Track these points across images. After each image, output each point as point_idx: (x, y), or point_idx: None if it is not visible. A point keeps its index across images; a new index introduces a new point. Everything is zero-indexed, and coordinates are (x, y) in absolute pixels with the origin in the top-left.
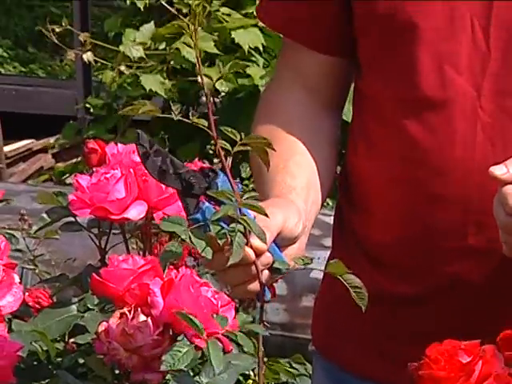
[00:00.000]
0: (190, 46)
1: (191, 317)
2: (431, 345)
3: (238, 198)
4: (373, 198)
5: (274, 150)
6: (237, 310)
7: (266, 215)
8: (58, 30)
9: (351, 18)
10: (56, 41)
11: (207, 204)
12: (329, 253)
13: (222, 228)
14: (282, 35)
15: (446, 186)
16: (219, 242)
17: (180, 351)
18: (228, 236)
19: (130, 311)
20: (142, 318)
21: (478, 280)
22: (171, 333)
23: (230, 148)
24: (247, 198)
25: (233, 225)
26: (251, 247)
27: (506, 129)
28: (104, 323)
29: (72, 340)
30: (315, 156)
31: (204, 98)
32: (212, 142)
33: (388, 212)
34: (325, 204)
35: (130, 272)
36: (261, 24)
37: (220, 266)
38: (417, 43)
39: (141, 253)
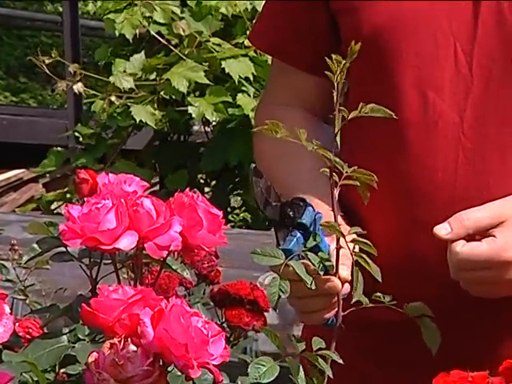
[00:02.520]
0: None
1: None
2: (438, 375)
3: (342, 231)
4: (360, 220)
5: (374, 185)
6: (228, 341)
7: (375, 252)
8: (47, 61)
9: (340, 40)
10: (47, 71)
11: (299, 234)
12: None
13: (321, 259)
14: (273, 58)
15: (428, 211)
16: (319, 271)
17: None
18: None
19: (120, 341)
20: (133, 348)
21: (463, 305)
22: (161, 363)
23: (337, 179)
24: (353, 232)
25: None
26: (339, 278)
27: (488, 155)
28: (94, 353)
29: (62, 370)
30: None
31: (195, 128)
32: (202, 170)
33: (373, 239)
34: None
35: (120, 302)
36: (251, 54)
37: (306, 293)
38: (400, 67)
39: (131, 283)
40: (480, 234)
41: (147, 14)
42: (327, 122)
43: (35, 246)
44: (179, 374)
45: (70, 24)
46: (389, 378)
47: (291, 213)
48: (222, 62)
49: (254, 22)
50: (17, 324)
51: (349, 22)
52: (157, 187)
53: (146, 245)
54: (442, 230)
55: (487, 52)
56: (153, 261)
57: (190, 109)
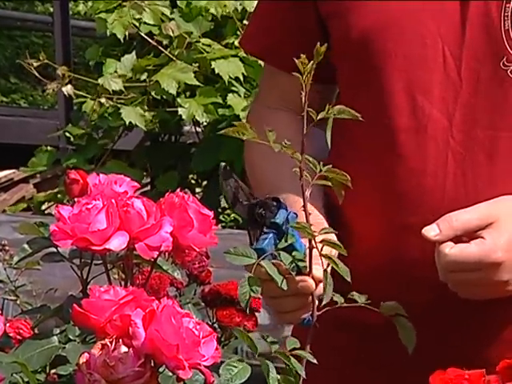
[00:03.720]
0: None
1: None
2: (434, 373)
3: (312, 231)
4: (346, 226)
5: (349, 185)
6: (219, 342)
7: (345, 252)
8: (35, 64)
9: (330, 45)
10: (36, 73)
11: (272, 234)
12: None
13: (293, 259)
14: (263, 62)
15: (417, 214)
16: (291, 271)
17: None
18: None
19: (111, 342)
20: (124, 349)
21: (451, 308)
22: (153, 364)
23: (310, 180)
24: (323, 232)
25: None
26: (313, 278)
27: (477, 158)
28: (85, 354)
29: (53, 371)
30: None
31: (186, 128)
32: (193, 171)
33: (361, 241)
34: None
35: (111, 303)
36: (241, 54)
37: (279, 293)
38: (389, 70)
39: (122, 283)
40: (468, 235)
41: (136, 16)
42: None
43: (26, 246)
44: (170, 374)
45: (60, 24)
46: (367, 378)
47: (263, 212)
48: (212, 63)
49: (244, 23)
50: (7, 324)
51: (338, 25)
52: (148, 188)
53: (136, 245)
54: (431, 231)
55: (475, 55)
56: (143, 261)
57: (180, 110)
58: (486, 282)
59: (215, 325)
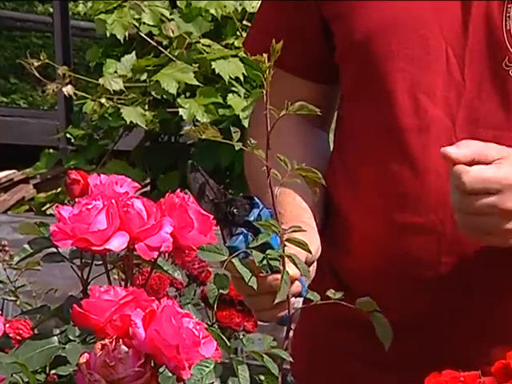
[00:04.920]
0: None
1: None
2: (430, 375)
3: (281, 229)
4: (350, 227)
5: (322, 182)
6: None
7: (310, 251)
8: (36, 64)
9: (333, 45)
10: (36, 74)
11: (245, 232)
12: None
13: (264, 257)
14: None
15: (420, 214)
16: (261, 270)
17: None
18: (268, 263)
19: (111, 342)
20: (124, 349)
21: (452, 308)
22: (153, 364)
23: (280, 177)
24: (291, 231)
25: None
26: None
27: None
28: (85, 355)
29: (53, 371)
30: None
31: (186, 128)
32: None
33: (363, 240)
34: None
35: (111, 303)
36: (241, 54)
37: (252, 291)
38: (392, 72)
39: (122, 284)
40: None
41: (136, 16)
42: (324, 125)
43: (26, 246)
44: (170, 375)
45: (60, 25)
46: (376, 379)
47: (235, 210)
48: (212, 63)
49: (243, 23)
50: (7, 325)
51: (342, 27)
52: (148, 188)
53: (136, 246)
54: (450, 149)
55: (478, 56)
56: (143, 262)
57: (181, 110)
58: (500, 209)
59: (215, 325)
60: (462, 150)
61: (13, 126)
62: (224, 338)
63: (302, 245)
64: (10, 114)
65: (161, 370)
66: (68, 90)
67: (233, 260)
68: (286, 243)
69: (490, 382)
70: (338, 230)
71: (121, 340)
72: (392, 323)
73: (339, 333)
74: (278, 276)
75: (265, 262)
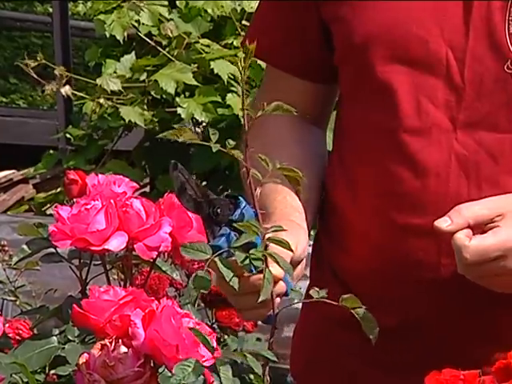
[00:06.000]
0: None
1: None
2: (429, 373)
3: (263, 230)
4: (349, 227)
5: (304, 180)
6: (218, 342)
7: (291, 250)
8: (33, 64)
9: (332, 46)
10: (33, 74)
11: (229, 231)
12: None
13: (247, 256)
14: (265, 63)
15: (419, 216)
16: (244, 269)
17: None
18: (251, 263)
19: (111, 343)
20: (123, 349)
21: (451, 310)
22: (152, 364)
23: (260, 177)
24: (272, 230)
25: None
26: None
27: (480, 161)
28: (85, 355)
29: (53, 372)
30: (307, 171)
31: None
32: (193, 171)
33: (362, 241)
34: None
35: (110, 303)
36: (240, 54)
37: (237, 290)
38: (393, 74)
39: (122, 284)
40: (478, 227)
41: (136, 18)
42: (322, 123)
43: (25, 247)
44: (170, 375)
45: (59, 25)
46: (376, 379)
47: (219, 210)
48: (211, 63)
49: (243, 23)
50: (7, 325)
51: (341, 29)
52: (147, 188)
53: (135, 246)
54: (443, 222)
55: (479, 59)
56: (142, 262)
57: (179, 109)
58: (507, 270)
59: (214, 325)
60: (454, 220)
61: (12, 126)
62: (208, 338)
63: (283, 244)
64: (9, 114)
65: (160, 370)
66: (66, 90)
67: (215, 259)
68: (269, 243)
69: (490, 380)
70: (337, 229)
71: (120, 340)
72: (392, 324)
73: (339, 333)
74: (261, 276)
75: (247, 261)
